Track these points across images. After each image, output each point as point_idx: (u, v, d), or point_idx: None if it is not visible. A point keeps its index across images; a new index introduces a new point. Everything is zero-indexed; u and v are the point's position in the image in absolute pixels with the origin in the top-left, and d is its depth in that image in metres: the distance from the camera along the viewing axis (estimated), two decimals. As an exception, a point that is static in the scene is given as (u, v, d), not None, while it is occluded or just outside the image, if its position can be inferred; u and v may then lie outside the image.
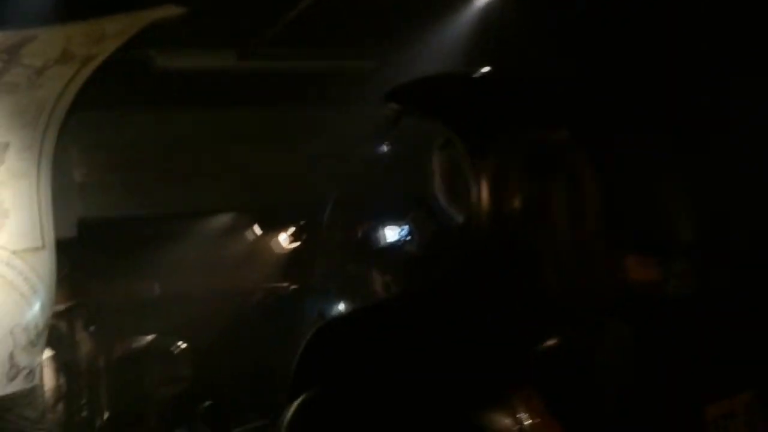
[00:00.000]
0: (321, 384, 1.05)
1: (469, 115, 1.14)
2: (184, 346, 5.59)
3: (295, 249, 6.73)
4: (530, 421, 0.99)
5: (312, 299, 5.78)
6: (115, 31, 3.23)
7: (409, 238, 4.27)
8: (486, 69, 1.20)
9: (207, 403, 4.64)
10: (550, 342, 1.06)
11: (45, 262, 3.61)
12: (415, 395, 0.99)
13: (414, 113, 1.20)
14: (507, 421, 0.98)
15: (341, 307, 5.16)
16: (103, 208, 4.03)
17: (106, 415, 5.53)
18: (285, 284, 6.85)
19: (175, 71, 3.81)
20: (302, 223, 6.63)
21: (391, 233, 4.86)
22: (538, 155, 1.10)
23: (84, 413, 5.36)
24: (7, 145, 3.41)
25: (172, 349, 5.50)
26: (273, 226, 6.97)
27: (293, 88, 4.20)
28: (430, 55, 3.90)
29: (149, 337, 5.61)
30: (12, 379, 3.42)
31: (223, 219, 6.38)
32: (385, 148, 4.32)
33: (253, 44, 3.84)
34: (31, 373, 3.52)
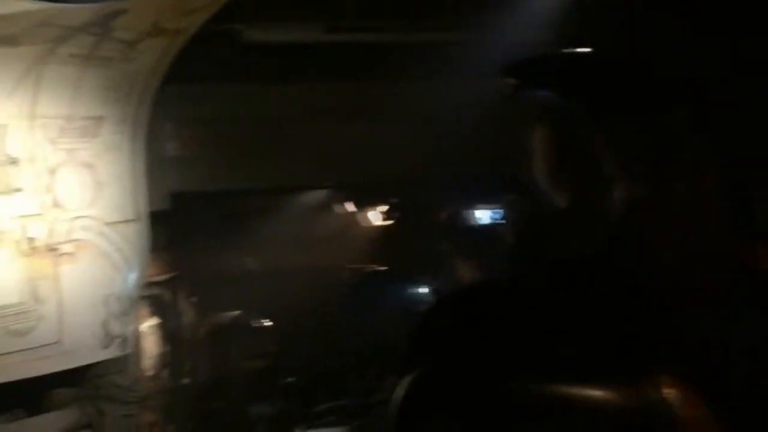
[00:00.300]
0: (435, 360, 1.04)
1: (598, 94, 1.09)
2: (269, 322, 5.66)
3: (385, 227, 6.72)
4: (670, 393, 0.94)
5: (399, 279, 5.73)
6: (203, 4, 3.24)
7: (502, 221, 4.16)
8: (612, 49, 1.15)
9: (290, 379, 4.67)
10: (678, 330, 1.00)
11: (138, 235, 3.69)
12: (532, 373, 0.99)
13: (534, 88, 1.15)
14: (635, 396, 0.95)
15: (427, 289, 5.08)
16: (196, 182, 4.09)
17: (197, 384, 5.68)
18: (373, 263, 6.85)
19: (263, 44, 3.82)
20: (394, 201, 6.59)
21: (482, 215, 4.75)
22: (662, 138, 1.04)
23: (183, 380, 5.51)
24: (101, 119, 3.49)
25: (258, 323, 5.57)
26: (364, 204, 6.97)
27: (382, 61, 4.15)
28: (521, 26, 3.75)
29: (237, 312, 5.70)
30: (105, 346, 3.52)
31: (314, 195, 6.42)
32: (476, 123, 4.22)
33: (340, 17, 3.80)
34: (124, 341, 3.61)
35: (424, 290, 5.12)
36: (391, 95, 4.47)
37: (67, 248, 3.37)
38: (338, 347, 4.88)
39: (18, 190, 3.22)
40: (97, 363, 3.53)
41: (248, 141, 4.16)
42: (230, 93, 4.13)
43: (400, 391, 0.98)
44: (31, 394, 3.29)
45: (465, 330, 1.06)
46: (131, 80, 3.51)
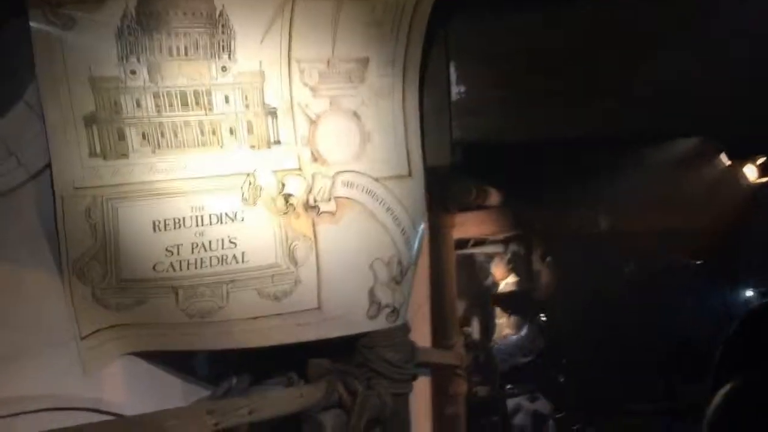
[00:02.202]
0: (751, 371, 0.98)
1: None
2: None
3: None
4: None
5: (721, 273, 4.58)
6: None
7: None
8: None
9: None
10: None
11: (411, 192, 3.25)
12: None
13: None
14: None
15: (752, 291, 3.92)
16: (483, 131, 3.50)
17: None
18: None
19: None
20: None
21: None
22: None
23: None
24: (366, 61, 3.08)
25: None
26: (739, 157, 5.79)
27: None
28: None
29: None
30: (372, 317, 3.16)
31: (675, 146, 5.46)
32: None
33: None
34: (394, 312, 3.22)
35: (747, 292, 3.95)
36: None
37: (328, 206, 3.05)
38: (633, 342, 4.00)
39: (276, 143, 2.97)
40: (364, 334, 3.20)
41: (548, 82, 3.43)
42: (527, 23, 3.43)
43: (713, 404, 1.14)
44: (289, 363, 3.08)
45: None
46: (396, 13, 3.04)
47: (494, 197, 5.04)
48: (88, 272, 2.73)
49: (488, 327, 6.92)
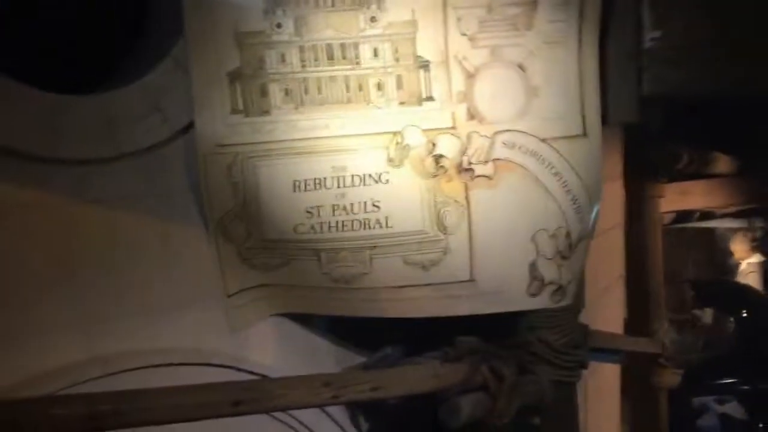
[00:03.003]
0: None
1: None
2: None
3: None
4: None
5: None
6: None
7: None
8: None
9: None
10: None
11: (585, 155, 2.84)
12: None
13: None
14: None
15: None
16: (682, 84, 2.96)
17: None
18: None
19: None
20: None
21: None
22: None
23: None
24: (534, 4, 2.71)
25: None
26: None
27: None
28: None
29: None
30: (534, 294, 2.83)
31: None
32: None
33: None
34: (559, 290, 2.86)
35: None
36: None
37: (484, 169, 2.75)
38: None
39: (429, 99, 2.72)
40: (524, 313, 2.88)
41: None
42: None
43: None
44: (440, 338, 2.86)
45: None
46: (567, -53, 2.63)
47: (719, 163, 4.38)
48: (232, 231, 2.71)
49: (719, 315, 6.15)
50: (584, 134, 2.83)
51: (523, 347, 2.88)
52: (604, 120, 2.85)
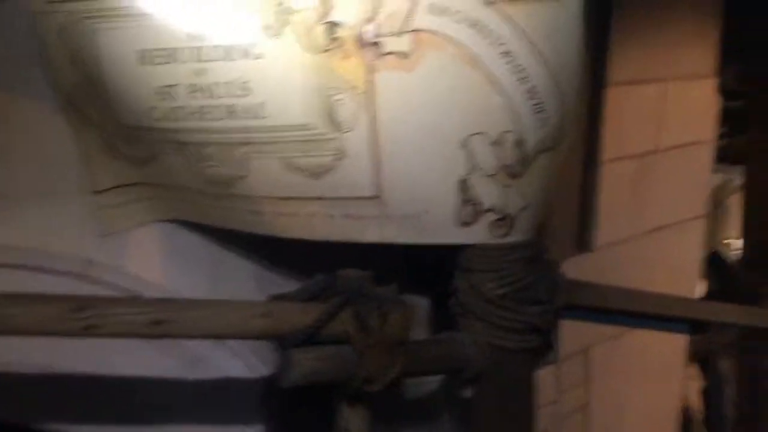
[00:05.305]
0: None
1: None
2: None
3: None
4: None
5: None
6: None
7: None
8: None
9: None
10: None
11: (552, 25, 1.93)
12: None
13: None
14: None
15: None
16: None
17: None
18: None
19: None
20: None
21: None
22: None
23: None
24: None
25: None
26: None
27: None
28: None
29: None
30: (467, 222, 2.03)
31: None
32: None
33: None
34: (505, 220, 2.03)
35: None
36: None
37: (397, 44, 1.94)
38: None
39: (325, -57, 1.95)
40: (458, 248, 2.09)
41: None
42: None
43: None
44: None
45: None
46: None
47: None
48: (86, 111, 2.18)
49: None
50: (553, -4, 1.91)
51: (459, 294, 2.12)
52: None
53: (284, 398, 2.26)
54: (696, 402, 5.71)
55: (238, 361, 2.47)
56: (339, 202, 2.08)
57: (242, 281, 2.51)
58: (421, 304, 2.63)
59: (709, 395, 5.67)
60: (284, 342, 1.83)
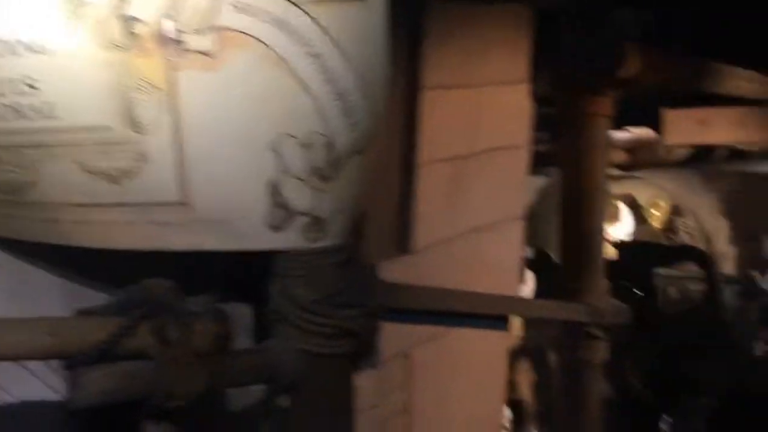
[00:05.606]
0: None
1: None
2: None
3: None
4: None
5: None
6: None
7: None
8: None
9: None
10: None
11: (359, 27, 1.92)
12: None
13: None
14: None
15: None
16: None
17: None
18: None
19: None
20: None
21: None
22: None
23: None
24: None
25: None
26: None
27: None
28: None
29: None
30: (277, 227, 1.98)
31: None
32: None
33: None
34: (317, 224, 2.00)
35: None
36: None
37: (201, 42, 1.86)
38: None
39: (121, -68, 1.84)
40: (273, 255, 2.04)
41: None
42: None
43: None
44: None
45: None
46: None
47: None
48: None
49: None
50: (360, -4, 1.90)
51: (273, 302, 2.06)
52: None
53: (88, 421, 2.11)
54: (528, 395, 5.97)
55: (36, 383, 2.28)
56: (142, 209, 1.97)
57: (51, 297, 2.32)
58: (245, 312, 2.55)
59: (539, 388, 5.94)
60: (73, 361, 1.69)
